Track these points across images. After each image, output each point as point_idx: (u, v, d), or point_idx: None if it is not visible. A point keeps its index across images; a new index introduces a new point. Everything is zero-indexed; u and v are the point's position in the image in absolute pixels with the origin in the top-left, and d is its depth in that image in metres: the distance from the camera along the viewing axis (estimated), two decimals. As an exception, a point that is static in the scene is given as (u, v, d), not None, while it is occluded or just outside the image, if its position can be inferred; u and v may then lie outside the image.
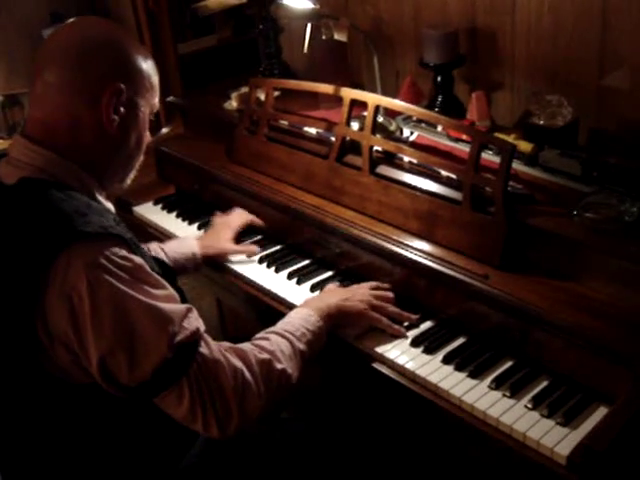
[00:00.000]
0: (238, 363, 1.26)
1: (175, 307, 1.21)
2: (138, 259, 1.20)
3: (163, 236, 2.13)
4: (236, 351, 1.29)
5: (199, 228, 2.09)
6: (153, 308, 1.17)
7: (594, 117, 1.87)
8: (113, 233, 1.18)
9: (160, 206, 2.27)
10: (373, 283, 1.63)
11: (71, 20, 1.36)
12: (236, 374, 1.24)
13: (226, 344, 1.29)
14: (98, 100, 1.25)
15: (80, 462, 1.30)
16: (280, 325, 1.44)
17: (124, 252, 1.18)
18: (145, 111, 1.35)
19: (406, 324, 1.57)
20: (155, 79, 1.36)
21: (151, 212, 2.25)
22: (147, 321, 1.16)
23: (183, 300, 1.36)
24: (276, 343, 1.36)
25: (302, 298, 1.70)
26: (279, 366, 1.32)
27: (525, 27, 1.95)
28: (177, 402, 1.20)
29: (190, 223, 2.13)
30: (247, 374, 1.26)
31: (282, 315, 1.71)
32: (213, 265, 1.92)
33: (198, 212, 2.17)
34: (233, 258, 1.91)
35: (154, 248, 1.77)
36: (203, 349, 1.22)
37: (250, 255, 1.90)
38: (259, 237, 2.00)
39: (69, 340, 1.16)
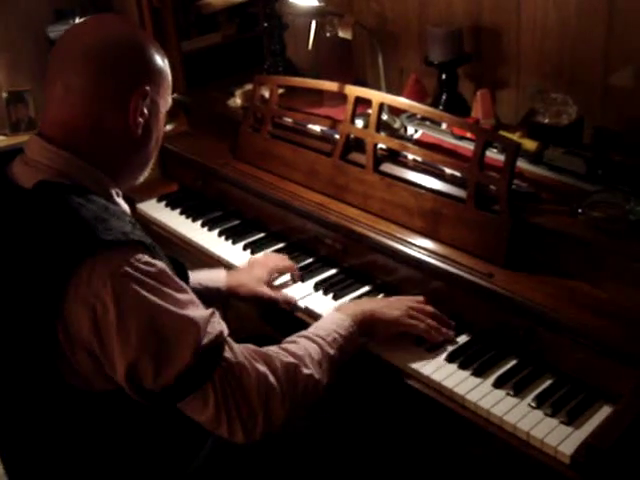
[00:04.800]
0: (262, 367, 1.23)
1: (199, 312, 1.20)
2: (160, 264, 1.19)
3: (166, 233, 2.13)
4: (260, 354, 1.26)
5: (202, 225, 2.09)
6: (178, 315, 1.16)
7: (599, 115, 1.86)
8: (135, 239, 1.17)
9: (164, 203, 2.27)
10: (412, 297, 1.57)
11: (88, 19, 1.34)
12: (259, 378, 1.22)
13: (250, 347, 1.27)
14: (125, 104, 1.25)
15: (92, 465, 1.29)
16: (311, 329, 1.40)
17: (147, 257, 1.17)
18: (164, 110, 1.35)
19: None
20: (170, 77, 1.36)
21: (155, 209, 2.25)
22: (172, 328, 1.15)
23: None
24: (304, 347, 1.32)
25: (306, 295, 1.71)
26: (306, 371, 1.28)
27: (530, 25, 1.95)
28: (202, 407, 1.18)
29: (194, 220, 2.13)
30: (271, 378, 1.23)
31: (284, 312, 1.71)
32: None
33: (202, 209, 2.17)
34: (235, 254, 1.91)
35: None
36: (227, 353, 1.20)
37: (286, 305, 1.71)
38: (262, 235, 2.00)
39: (92, 347, 1.15)
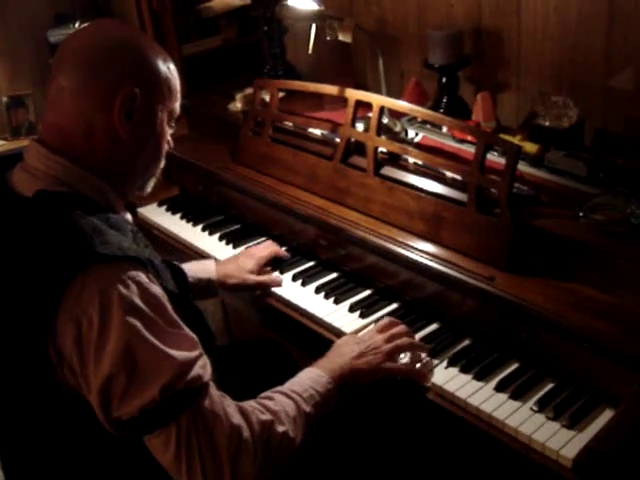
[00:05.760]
0: (238, 420, 1.18)
1: (183, 352, 1.15)
2: (154, 288, 1.16)
3: (167, 237, 2.13)
4: (238, 408, 1.21)
5: (203, 230, 2.09)
6: (158, 348, 1.12)
7: (600, 118, 1.86)
8: (131, 255, 1.15)
9: (164, 207, 2.27)
10: (384, 321, 1.52)
11: (89, 24, 1.33)
12: (233, 430, 1.17)
13: (230, 400, 1.23)
14: (111, 104, 1.21)
15: (84, 474, 1.28)
16: (288, 385, 1.34)
17: (142, 277, 1.14)
18: (163, 117, 1.31)
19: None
20: (175, 83, 1.32)
21: (155, 213, 2.25)
22: (147, 360, 1.12)
23: (199, 318, 1.32)
24: (280, 403, 1.28)
25: (306, 299, 1.71)
26: (281, 428, 1.23)
27: (531, 28, 1.95)
28: (163, 448, 1.14)
29: (194, 225, 2.13)
30: (245, 433, 1.18)
31: (286, 317, 1.71)
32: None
33: (202, 213, 2.17)
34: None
35: None
36: (204, 400, 1.16)
37: (274, 286, 1.79)
38: (263, 239, 1.99)
39: (73, 363, 1.13)
